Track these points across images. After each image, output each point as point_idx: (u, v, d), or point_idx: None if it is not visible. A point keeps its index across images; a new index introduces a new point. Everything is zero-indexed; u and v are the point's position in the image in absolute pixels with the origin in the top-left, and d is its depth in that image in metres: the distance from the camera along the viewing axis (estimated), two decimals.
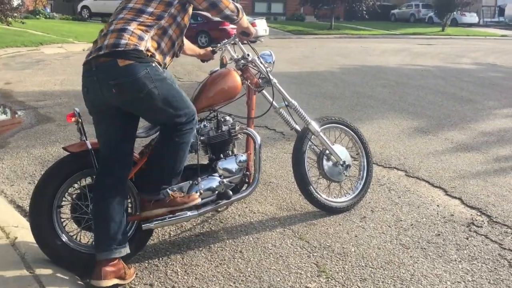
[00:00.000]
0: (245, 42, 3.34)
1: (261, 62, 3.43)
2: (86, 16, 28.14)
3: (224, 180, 3.13)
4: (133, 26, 2.57)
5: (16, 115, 6.68)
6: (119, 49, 2.48)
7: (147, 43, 2.58)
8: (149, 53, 2.57)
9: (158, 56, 2.65)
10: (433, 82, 10.46)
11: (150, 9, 2.63)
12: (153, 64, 2.58)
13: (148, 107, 2.61)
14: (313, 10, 35.02)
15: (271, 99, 3.44)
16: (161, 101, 2.60)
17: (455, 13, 33.75)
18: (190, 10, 2.85)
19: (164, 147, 2.75)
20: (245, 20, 2.99)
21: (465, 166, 4.89)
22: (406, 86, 9.80)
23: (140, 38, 2.56)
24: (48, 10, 27.80)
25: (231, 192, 3.15)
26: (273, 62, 3.52)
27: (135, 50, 2.51)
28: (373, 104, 7.92)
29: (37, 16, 25.02)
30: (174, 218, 2.93)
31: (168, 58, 2.80)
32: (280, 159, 4.94)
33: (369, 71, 12.07)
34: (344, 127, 3.84)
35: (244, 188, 3.35)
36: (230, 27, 18.90)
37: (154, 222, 2.87)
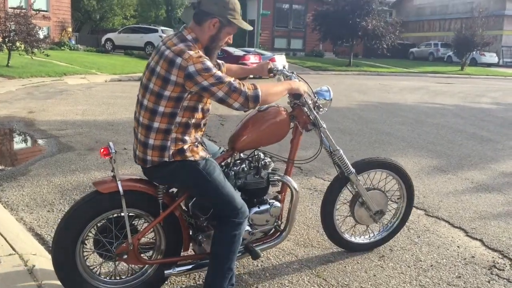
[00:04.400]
0: (296, 102, 3.10)
1: (314, 108, 3.12)
2: (110, 48, 28.82)
3: (255, 231, 2.97)
4: (152, 138, 2.56)
5: (37, 144, 6.79)
6: (148, 166, 2.63)
7: (170, 151, 2.57)
8: (177, 158, 2.57)
9: (187, 149, 2.60)
10: (452, 121, 10.41)
11: (161, 109, 2.51)
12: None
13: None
14: (332, 47, 35.35)
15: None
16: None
17: (474, 52, 33.76)
18: None
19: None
20: (275, 91, 2.71)
21: (486, 207, 4.81)
22: (424, 124, 9.76)
23: (162, 149, 2.57)
24: (73, 42, 28.52)
25: (261, 254, 2.97)
26: (331, 100, 3.22)
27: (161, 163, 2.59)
28: (391, 141, 7.89)
29: (62, 48, 25.67)
30: (198, 268, 2.90)
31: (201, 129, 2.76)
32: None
33: (387, 108, 12.07)
34: (393, 173, 3.59)
35: (273, 236, 3.13)
36: (250, 62, 19.10)
37: (177, 270, 2.83)
